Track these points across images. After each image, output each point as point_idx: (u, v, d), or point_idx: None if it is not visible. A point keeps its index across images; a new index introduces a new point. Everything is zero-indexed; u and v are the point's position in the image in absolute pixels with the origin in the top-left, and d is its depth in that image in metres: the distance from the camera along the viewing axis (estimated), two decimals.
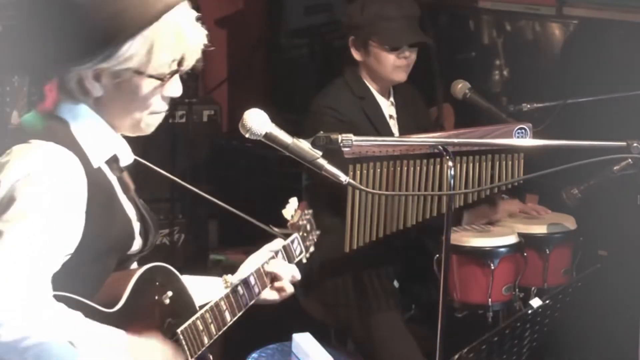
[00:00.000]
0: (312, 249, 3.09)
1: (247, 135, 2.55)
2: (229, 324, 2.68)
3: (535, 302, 3.13)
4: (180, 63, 2.39)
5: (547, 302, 3.16)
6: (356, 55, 4.02)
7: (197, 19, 2.40)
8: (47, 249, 2.21)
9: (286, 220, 3.02)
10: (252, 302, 2.78)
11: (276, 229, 2.98)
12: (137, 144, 2.57)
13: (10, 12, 4.56)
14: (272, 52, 5.91)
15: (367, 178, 3.47)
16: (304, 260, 3.05)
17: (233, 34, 5.97)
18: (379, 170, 3.50)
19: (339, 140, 2.61)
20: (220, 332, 2.64)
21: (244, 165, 5.55)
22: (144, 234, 2.51)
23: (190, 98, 5.32)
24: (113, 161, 2.45)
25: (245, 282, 2.75)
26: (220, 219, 5.57)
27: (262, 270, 2.82)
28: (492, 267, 3.71)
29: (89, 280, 2.36)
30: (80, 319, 2.22)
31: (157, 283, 2.48)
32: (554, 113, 4.00)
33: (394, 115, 4.10)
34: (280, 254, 2.92)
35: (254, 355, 3.52)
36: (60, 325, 2.17)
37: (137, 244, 2.49)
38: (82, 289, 2.31)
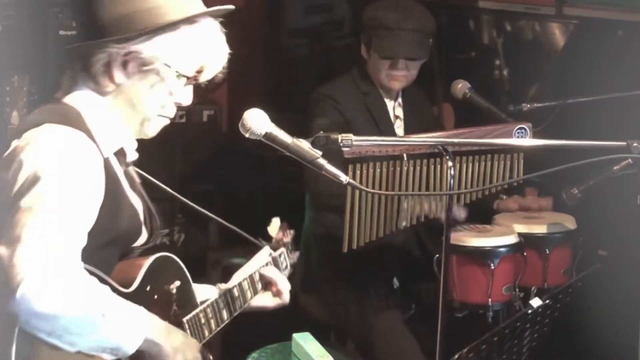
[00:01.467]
0: (290, 269, 3.14)
1: (247, 135, 2.55)
2: (226, 322, 2.75)
3: (535, 302, 3.12)
4: (199, 72, 2.49)
5: (547, 302, 3.15)
6: (363, 52, 4.05)
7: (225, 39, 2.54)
8: (75, 223, 2.26)
9: (270, 237, 3.08)
10: (246, 305, 2.84)
11: (265, 243, 3.04)
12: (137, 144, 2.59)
13: (10, 12, 4.57)
14: (272, 52, 5.91)
15: (367, 178, 3.47)
16: (287, 273, 3.10)
17: (233, 34, 5.97)
18: (379, 170, 3.50)
19: (339, 140, 2.61)
20: (218, 329, 2.70)
21: (244, 165, 5.55)
22: (150, 227, 2.58)
23: None
24: (120, 154, 2.50)
25: (239, 286, 2.83)
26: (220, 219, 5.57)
27: (254, 277, 2.89)
28: (492, 267, 3.71)
29: (101, 267, 2.39)
30: (109, 292, 2.28)
31: (167, 272, 2.56)
32: (554, 113, 4.00)
33: (401, 116, 4.10)
34: (270, 265, 2.99)
35: (254, 355, 3.51)
36: (92, 297, 2.22)
37: (143, 236, 2.56)
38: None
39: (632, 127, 3.54)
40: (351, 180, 2.59)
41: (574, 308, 3.36)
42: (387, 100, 4.07)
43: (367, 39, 4.02)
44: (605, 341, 4.11)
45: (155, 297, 2.50)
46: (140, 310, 2.35)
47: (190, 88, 2.53)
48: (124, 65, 2.42)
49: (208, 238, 5.57)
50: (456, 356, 2.89)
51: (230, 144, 5.55)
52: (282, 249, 3.07)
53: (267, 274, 2.91)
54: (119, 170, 2.49)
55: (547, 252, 3.86)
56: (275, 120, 2.58)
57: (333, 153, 2.63)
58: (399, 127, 4.09)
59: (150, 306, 2.45)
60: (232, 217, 3.01)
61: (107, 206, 2.38)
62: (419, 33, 3.97)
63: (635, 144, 2.76)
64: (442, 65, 5.00)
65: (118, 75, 2.43)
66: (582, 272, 3.70)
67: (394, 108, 4.10)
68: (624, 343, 3.20)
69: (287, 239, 3.11)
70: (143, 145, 2.65)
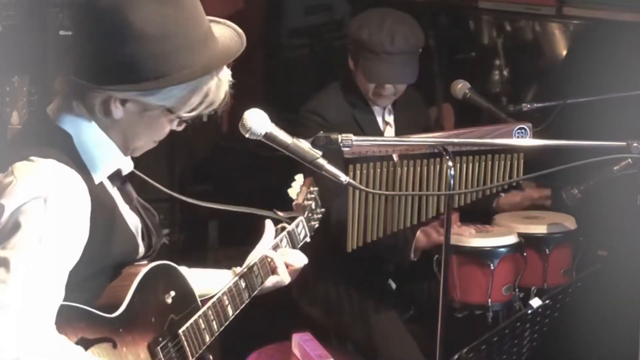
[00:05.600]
0: (316, 226, 3.04)
1: (247, 135, 2.55)
2: (231, 318, 2.66)
3: (535, 302, 3.13)
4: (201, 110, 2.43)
5: (547, 302, 3.16)
6: (350, 64, 3.99)
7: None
8: (54, 278, 2.17)
9: (291, 200, 2.97)
10: (255, 293, 2.74)
11: (280, 213, 2.92)
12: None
13: (10, 12, 4.57)
14: (272, 52, 5.91)
15: (367, 178, 3.47)
16: (308, 240, 2.99)
17: None
18: (378, 170, 3.50)
19: (339, 140, 2.61)
20: (222, 328, 2.62)
21: (244, 165, 5.55)
22: (147, 241, 2.50)
23: None
24: (115, 174, 2.41)
25: (248, 274, 2.72)
26: (220, 219, 5.57)
27: (266, 259, 2.77)
28: (492, 267, 3.71)
29: (89, 292, 2.34)
30: (81, 354, 2.19)
31: (160, 283, 2.48)
32: (554, 113, 4.00)
33: (391, 122, 4.06)
34: (284, 241, 2.87)
35: (254, 355, 3.52)
36: None
37: (140, 252, 2.48)
38: (81, 301, 2.28)
39: (632, 127, 3.55)
40: (351, 180, 2.58)
41: (574, 308, 3.36)
42: (375, 109, 4.01)
43: (354, 54, 3.94)
44: (605, 341, 4.11)
45: (147, 313, 2.42)
46: None
47: None
48: (123, 103, 2.30)
49: (208, 238, 5.57)
50: (456, 356, 2.89)
51: (230, 144, 5.56)
52: (300, 218, 2.95)
53: (273, 262, 2.78)
54: (113, 190, 2.41)
55: (547, 252, 3.86)
56: (275, 120, 2.58)
57: (333, 153, 2.63)
58: (389, 133, 4.03)
59: (141, 324, 2.38)
60: (231, 216, 2.99)
61: (100, 235, 2.29)
62: (407, 55, 3.88)
63: (635, 144, 2.76)
64: (442, 65, 5.00)
65: (116, 111, 2.31)
66: (582, 272, 3.71)
67: (384, 115, 4.04)
68: (624, 343, 3.21)
69: (309, 200, 2.98)
70: None
